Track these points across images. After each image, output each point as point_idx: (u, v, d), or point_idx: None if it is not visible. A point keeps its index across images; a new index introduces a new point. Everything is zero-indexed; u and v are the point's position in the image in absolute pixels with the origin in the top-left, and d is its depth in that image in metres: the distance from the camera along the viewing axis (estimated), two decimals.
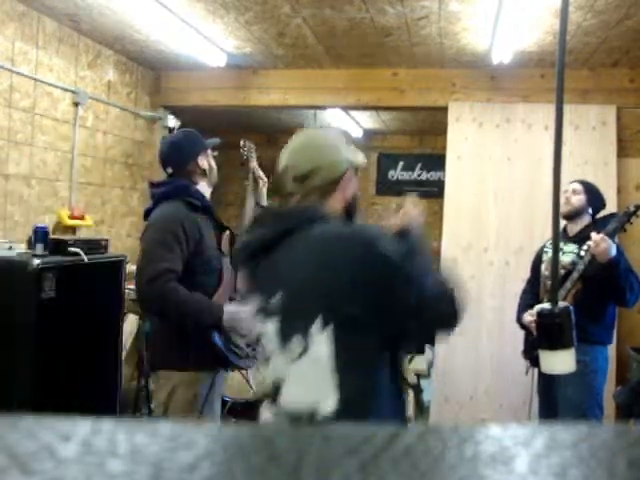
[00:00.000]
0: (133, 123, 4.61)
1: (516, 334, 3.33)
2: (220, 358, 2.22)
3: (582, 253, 2.78)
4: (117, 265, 3.34)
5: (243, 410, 3.41)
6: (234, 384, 2.91)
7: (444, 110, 4.32)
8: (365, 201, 7.99)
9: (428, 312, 1.35)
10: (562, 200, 2.84)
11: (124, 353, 3.62)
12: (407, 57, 4.07)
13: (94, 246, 3.20)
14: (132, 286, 3.79)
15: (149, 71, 4.73)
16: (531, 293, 3.14)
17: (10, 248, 2.87)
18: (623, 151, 4.12)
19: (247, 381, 2.89)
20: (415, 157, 7.66)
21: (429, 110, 4.71)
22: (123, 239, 4.55)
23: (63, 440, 0.26)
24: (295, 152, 1.50)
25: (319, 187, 1.46)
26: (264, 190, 2.63)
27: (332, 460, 0.25)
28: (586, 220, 2.99)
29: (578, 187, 2.99)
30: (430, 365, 4.75)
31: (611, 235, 2.67)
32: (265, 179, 2.63)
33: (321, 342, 1.33)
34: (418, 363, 5.10)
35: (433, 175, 7.57)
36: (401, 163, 7.75)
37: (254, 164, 2.54)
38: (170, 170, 2.36)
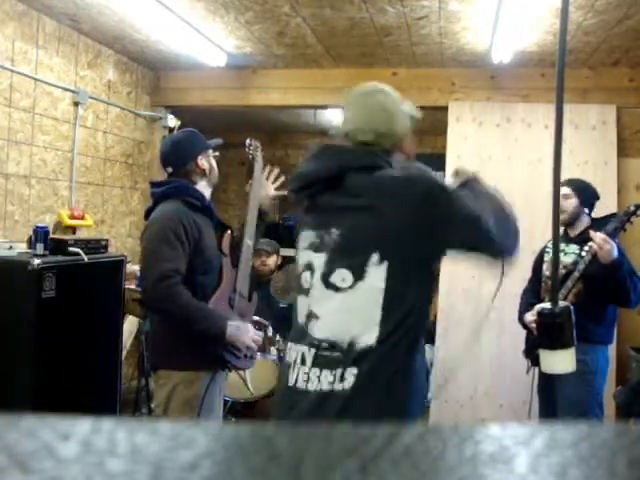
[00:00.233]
0: (133, 123, 4.61)
1: (516, 334, 3.33)
2: (219, 358, 2.22)
3: (583, 253, 2.78)
4: (117, 265, 3.35)
5: (243, 410, 3.42)
6: (234, 384, 2.91)
7: (444, 110, 4.32)
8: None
9: (494, 243, 1.47)
10: None
11: (124, 353, 3.62)
12: (407, 57, 4.07)
13: (94, 246, 3.20)
14: (132, 286, 3.80)
15: (149, 71, 4.73)
16: (532, 292, 3.14)
17: (10, 248, 2.87)
18: (623, 151, 4.12)
19: (244, 381, 2.89)
20: (415, 157, 7.64)
21: (429, 110, 4.70)
22: (123, 239, 4.55)
23: (63, 440, 0.26)
24: (357, 118, 1.55)
25: (384, 150, 1.53)
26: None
27: (332, 460, 0.25)
28: (585, 221, 2.98)
29: (567, 191, 2.94)
30: (430, 365, 4.75)
31: (612, 235, 2.67)
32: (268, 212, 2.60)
33: (376, 276, 1.38)
34: None
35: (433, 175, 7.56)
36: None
37: (260, 164, 2.52)
38: (170, 170, 2.36)
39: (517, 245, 1.54)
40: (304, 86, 4.52)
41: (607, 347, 2.98)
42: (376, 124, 1.52)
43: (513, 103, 4.20)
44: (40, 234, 2.93)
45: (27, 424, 0.27)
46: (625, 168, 4.15)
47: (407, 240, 1.41)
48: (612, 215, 3.01)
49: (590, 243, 2.70)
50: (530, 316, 2.87)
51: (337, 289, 1.42)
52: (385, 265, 1.39)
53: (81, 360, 3.03)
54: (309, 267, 1.50)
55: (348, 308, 1.41)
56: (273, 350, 3.29)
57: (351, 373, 1.38)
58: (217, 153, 2.46)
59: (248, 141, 2.54)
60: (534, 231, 3.97)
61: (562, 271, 2.88)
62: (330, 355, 1.41)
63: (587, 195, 2.99)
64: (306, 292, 1.50)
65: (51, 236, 3.06)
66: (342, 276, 1.42)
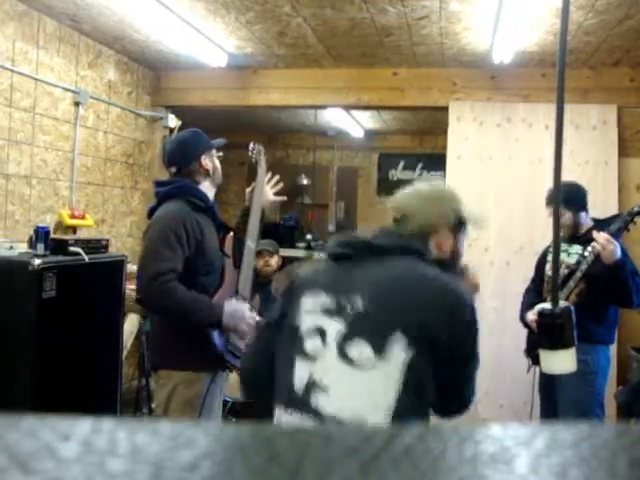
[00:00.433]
0: (134, 123, 4.62)
1: (516, 334, 3.33)
2: (219, 358, 2.22)
3: (586, 254, 2.78)
4: (117, 265, 3.35)
5: (243, 410, 3.41)
6: (234, 384, 2.91)
7: (445, 110, 4.32)
8: (366, 201, 7.99)
9: (459, 393, 1.55)
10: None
11: (124, 353, 3.62)
12: (408, 57, 4.07)
13: (95, 246, 3.20)
14: (133, 286, 3.80)
15: (149, 71, 4.73)
16: (534, 292, 3.14)
17: (11, 248, 2.87)
18: (624, 151, 4.12)
19: None
20: (416, 157, 7.66)
21: (430, 110, 4.71)
22: (124, 239, 4.55)
23: (63, 440, 0.26)
24: (409, 200, 1.60)
25: (412, 232, 1.52)
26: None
27: (332, 460, 0.25)
28: (587, 222, 2.98)
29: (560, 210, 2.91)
30: None
31: (615, 235, 2.66)
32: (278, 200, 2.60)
33: (397, 358, 1.32)
34: None
35: (434, 175, 7.56)
36: (402, 163, 7.75)
37: (263, 168, 2.52)
38: (174, 169, 2.37)
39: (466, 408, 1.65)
40: (305, 86, 4.52)
41: (608, 347, 2.98)
42: (422, 210, 1.55)
43: (514, 103, 4.20)
44: (41, 234, 2.94)
45: (27, 424, 0.27)
46: (626, 168, 4.15)
47: (433, 333, 1.38)
48: (616, 216, 3.01)
49: (593, 243, 2.69)
50: (531, 315, 2.87)
51: (353, 363, 1.33)
52: (409, 349, 1.33)
53: (81, 360, 3.03)
54: (319, 332, 1.40)
55: (362, 386, 1.33)
56: None
57: None
58: (221, 153, 2.46)
59: (251, 145, 2.53)
60: (534, 231, 3.98)
61: (565, 271, 2.88)
62: None
63: (577, 200, 2.95)
64: (311, 358, 1.38)
65: (52, 236, 3.06)
66: (361, 349, 1.33)
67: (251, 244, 2.39)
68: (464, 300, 1.46)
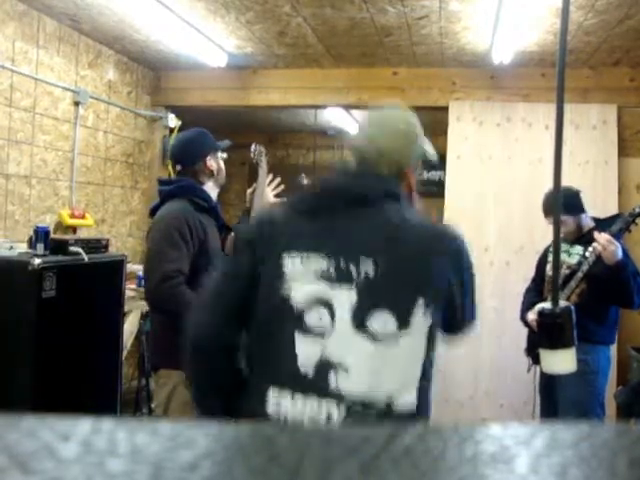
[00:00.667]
0: (133, 123, 4.61)
1: (516, 334, 3.33)
2: None
3: (587, 254, 2.77)
4: (117, 265, 3.35)
5: None
6: None
7: (445, 109, 4.32)
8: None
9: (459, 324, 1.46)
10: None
11: (124, 353, 3.62)
12: (407, 56, 4.07)
13: (94, 246, 3.20)
14: (133, 286, 3.80)
15: (149, 71, 4.73)
16: (535, 291, 3.14)
17: (11, 248, 2.87)
18: (624, 150, 4.12)
19: None
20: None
21: (429, 109, 4.71)
22: (124, 239, 4.55)
23: (63, 440, 0.26)
24: (376, 136, 1.40)
25: (389, 174, 1.37)
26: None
27: (332, 460, 0.25)
28: (588, 222, 2.97)
29: (562, 218, 2.89)
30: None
31: (616, 236, 2.65)
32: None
33: (421, 326, 1.21)
34: None
35: (433, 175, 7.56)
36: None
37: (264, 169, 2.52)
38: (179, 167, 2.37)
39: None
40: (304, 86, 4.52)
41: (609, 347, 2.98)
42: (403, 147, 1.39)
43: (513, 103, 4.20)
44: (40, 234, 2.94)
45: (27, 424, 0.27)
46: (626, 168, 4.15)
47: (443, 291, 1.30)
48: (616, 216, 3.00)
49: (594, 244, 2.69)
50: (532, 315, 2.87)
51: (375, 337, 1.19)
52: (429, 314, 1.22)
53: (81, 360, 3.03)
54: (323, 304, 1.22)
55: (388, 361, 1.20)
56: None
57: None
58: (225, 155, 2.47)
59: (253, 147, 2.54)
60: (534, 231, 3.97)
61: (566, 271, 2.88)
62: (364, 415, 1.18)
63: (574, 203, 2.93)
64: (317, 334, 1.21)
65: (52, 236, 3.06)
66: (384, 320, 1.19)
67: None
68: (461, 239, 1.37)
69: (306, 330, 1.22)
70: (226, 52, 4.01)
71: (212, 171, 2.37)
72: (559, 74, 0.96)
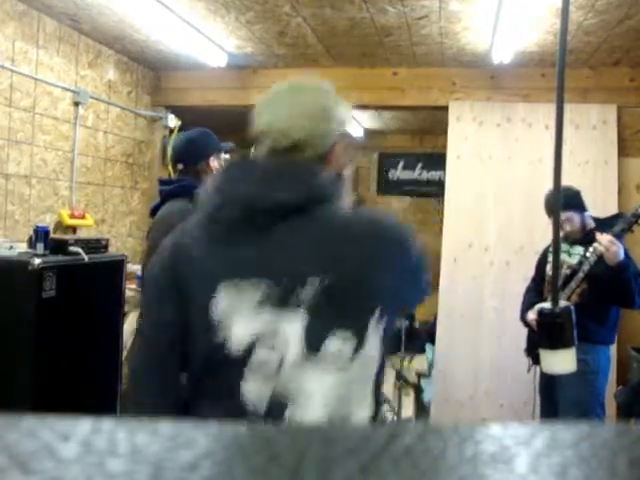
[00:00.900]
0: (133, 123, 4.61)
1: (516, 334, 3.33)
2: None
3: (588, 254, 2.77)
4: (117, 265, 3.35)
5: None
6: None
7: (445, 109, 4.33)
8: (366, 200, 7.99)
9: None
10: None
11: (124, 353, 3.62)
12: (407, 56, 4.07)
13: (94, 246, 3.20)
14: (133, 285, 3.79)
15: (149, 71, 4.73)
16: (535, 291, 3.14)
17: (11, 248, 2.87)
18: (624, 150, 4.12)
19: None
20: (416, 156, 7.66)
21: (430, 109, 4.71)
22: (124, 239, 4.55)
23: (63, 440, 0.26)
24: (284, 115, 1.16)
25: (309, 160, 1.14)
26: None
27: (332, 460, 0.25)
28: (589, 224, 2.97)
29: (569, 214, 2.89)
30: (430, 365, 4.75)
31: (618, 236, 2.64)
32: None
33: (375, 339, 1.07)
34: (418, 363, 5.10)
35: (434, 175, 7.57)
36: (402, 163, 7.75)
37: None
38: (181, 166, 2.37)
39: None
40: None
41: (609, 347, 2.98)
42: (304, 123, 1.16)
43: (513, 103, 4.21)
44: (40, 234, 2.94)
45: (27, 424, 0.27)
46: (626, 168, 4.15)
47: (395, 296, 1.14)
48: (617, 215, 3.00)
49: (595, 244, 2.68)
50: (532, 314, 2.87)
51: (331, 362, 1.04)
52: (383, 324, 1.09)
53: (81, 360, 3.03)
54: (270, 336, 1.04)
55: (344, 384, 1.07)
56: None
57: None
58: (228, 156, 2.47)
59: (252, 150, 2.55)
60: (535, 231, 3.98)
61: (567, 271, 2.88)
62: None
63: (579, 202, 2.94)
64: (269, 371, 1.04)
65: (51, 236, 3.06)
66: (340, 343, 1.04)
67: None
68: (406, 231, 1.18)
69: (253, 370, 1.05)
70: (226, 52, 4.01)
71: (214, 172, 2.37)
72: (559, 74, 0.96)
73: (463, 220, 4.22)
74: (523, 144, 4.17)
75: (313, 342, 1.04)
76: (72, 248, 2.98)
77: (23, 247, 3.00)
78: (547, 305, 1.17)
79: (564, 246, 2.95)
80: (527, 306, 3.05)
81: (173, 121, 4.83)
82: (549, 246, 3.15)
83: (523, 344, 3.11)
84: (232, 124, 6.54)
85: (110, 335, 3.31)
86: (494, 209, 4.18)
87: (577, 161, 4.00)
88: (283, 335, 1.04)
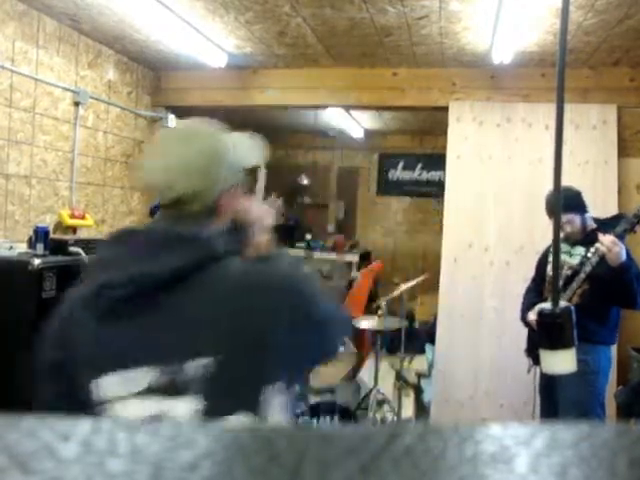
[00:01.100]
0: (133, 123, 4.62)
1: (517, 334, 3.33)
2: None
3: (589, 255, 2.77)
4: None
5: None
6: None
7: (444, 110, 4.33)
8: (366, 201, 8.00)
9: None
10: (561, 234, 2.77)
11: None
12: (407, 57, 4.07)
13: (94, 246, 3.20)
14: None
15: (149, 71, 4.73)
16: (535, 291, 3.13)
17: (11, 248, 2.87)
18: (624, 150, 4.12)
19: None
20: (416, 157, 7.66)
21: (430, 110, 4.71)
22: None
23: (63, 440, 0.26)
24: (167, 168, 1.07)
25: (197, 213, 1.07)
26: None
27: (332, 460, 0.25)
28: (590, 224, 2.97)
29: (570, 216, 2.88)
30: (430, 365, 4.75)
31: (620, 237, 2.64)
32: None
33: (277, 411, 1.00)
34: (418, 363, 5.10)
35: (433, 175, 7.57)
36: (401, 163, 7.76)
37: (262, 176, 2.53)
38: None
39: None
40: (304, 86, 4.53)
41: (609, 348, 2.98)
42: (190, 176, 1.06)
43: (513, 103, 4.21)
44: (40, 234, 2.94)
45: (27, 424, 0.27)
46: (626, 168, 4.15)
47: (298, 352, 1.05)
48: (618, 216, 2.99)
49: (597, 245, 2.68)
50: (532, 315, 2.87)
51: None
52: (285, 390, 1.02)
53: None
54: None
55: None
56: None
57: None
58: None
59: None
60: (535, 231, 3.98)
61: (568, 272, 2.88)
62: None
63: (580, 203, 2.93)
64: None
65: (51, 236, 3.06)
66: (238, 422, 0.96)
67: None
68: (311, 284, 1.11)
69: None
70: (226, 52, 4.01)
71: None
72: (559, 74, 0.96)
73: (463, 220, 4.22)
74: (523, 144, 4.17)
75: None
76: (72, 248, 2.98)
77: (23, 247, 3.00)
78: (547, 305, 1.17)
79: (565, 247, 2.95)
80: (527, 306, 3.05)
81: (173, 121, 4.83)
82: (550, 246, 3.14)
83: (523, 344, 3.11)
84: (232, 124, 6.55)
85: None
86: (494, 209, 4.18)
87: (577, 161, 4.00)
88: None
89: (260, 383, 0.99)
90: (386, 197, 7.88)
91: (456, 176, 4.27)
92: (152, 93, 4.80)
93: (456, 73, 4.28)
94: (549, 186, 2.77)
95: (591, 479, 0.24)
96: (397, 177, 7.82)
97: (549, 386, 2.98)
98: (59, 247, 2.97)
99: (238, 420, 0.95)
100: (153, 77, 4.79)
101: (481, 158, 4.23)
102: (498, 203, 4.17)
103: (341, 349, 1.21)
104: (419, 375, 4.95)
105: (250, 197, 1.19)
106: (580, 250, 2.89)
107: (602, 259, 2.67)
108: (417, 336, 5.45)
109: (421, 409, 4.48)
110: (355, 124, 6.45)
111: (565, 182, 1.04)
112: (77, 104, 3.90)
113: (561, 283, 2.85)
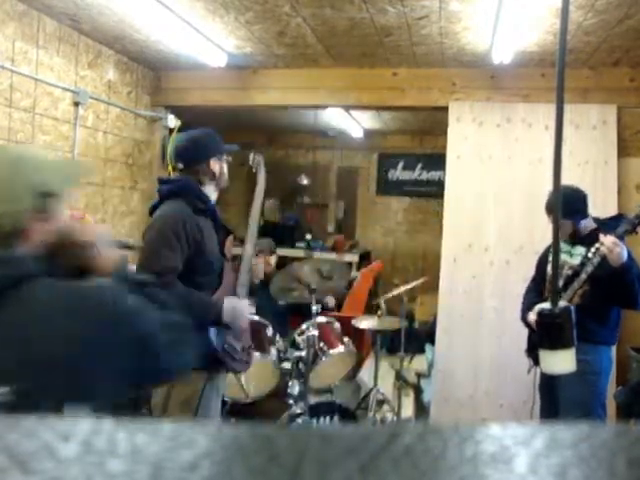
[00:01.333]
0: (133, 123, 4.61)
1: (516, 334, 3.33)
2: (216, 359, 2.23)
3: (590, 255, 2.76)
4: None
5: (243, 410, 3.41)
6: (234, 385, 2.91)
7: (444, 110, 4.33)
8: (366, 201, 8.00)
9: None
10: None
11: None
12: (407, 57, 4.07)
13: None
14: None
15: (149, 71, 4.73)
16: (535, 291, 3.13)
17: None
18: (624, 150, 4.12)
19: (239, 383, 2.90)
20: (415, 157, 7.66)
21: (429, 110, 4.71)
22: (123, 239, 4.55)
23: (63, 440, 0.26)
24: None
25: (7, 234, 1.07)
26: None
27: (332, 460, 0.25)
28: (590, 225, 2.96)
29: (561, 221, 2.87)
30: (430, 365, 4.75)
31: (621, 237, 2.63)
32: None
33: None
34: (418, 363, 5.10)
35: (433, 175, 7.57)
36: (401, 163, 7.76)
37: (262, 177, 2.54)
38: (181, 165, 2.37)
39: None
40: (304, 86, 4.52)
41: (611, 348, 2.98)
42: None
43: (513, 103, 4.21)
44: None
45: (27, 424, 0.27)
46: (626, 168, 4.15)
47: (116, 372, 1.04)
48: (618, 216, 2.99)
49: (597, 245, 2.68)
50: (533, 315, 2.87)
51: None
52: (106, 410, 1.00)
53: None
54: None
55: None
56: (273, 350, 3.29)
57: None
58: (230, 158, 2.47)
59: (252, 156, 2.57)
60: (534, 231, 3.98)
61: (568, 272, 2.87)
62: None
63: (577, 209, 2.90)
64: None
65: None
66: None
67: (249, 249, 2.41)
68: (128, 302, 1.11)
69: None
70: (226, 52, 4.01)
71: (214, 174, 2.36)
72: (559, 74, 0.96)
73: (463, 220, 4.22)
74: (523, 144, 4.17)
75: None
76: None
77: None
78: (547, 305, 1.17)
79: (565, 247, 2.94)
80: (528, 306, 3.04)
81: (173, 121, 4.83)
82: (549, 246, 3.14)
83: (523, 344, 3.11)
84: (232, 124, 6.55)
85: None
86: (494, 209, 4.18)
87: (577, 161, 4.00)
88: None
89: (64, 409, 0.95)
90: (386, 197, 7.88)
91: (456, 176, 4.27)
92: (152, 93, 4.79)
93: (456, 73, 4.28)
94: (549, 186, 2.76)
95: (590, 479, 0.24)
96: (397, 177, 7.82)
97: (549, 386, 2.98)
98: None
99: None
100: (153, 77, 4.79)
101: (481, 158, 4.23)
102: (498, 203, 4.17)
103: (188, 365, 1.20)
104: (419, 375, 4.95)
105: (69, 219, 1.21)
106: (581, 250, 2.89)
107: (603, 259, 2.66)
108: (417, 336, 5.45)
109: (421, 409, 4.48)
110: (355, 124, 6.45)
111: (565, 182, 1.04)
112: (77, 104, 3.90)
113: (562, 283, 2.85)
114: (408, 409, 4.25)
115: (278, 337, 3.42)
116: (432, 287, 4.49)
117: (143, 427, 0.28)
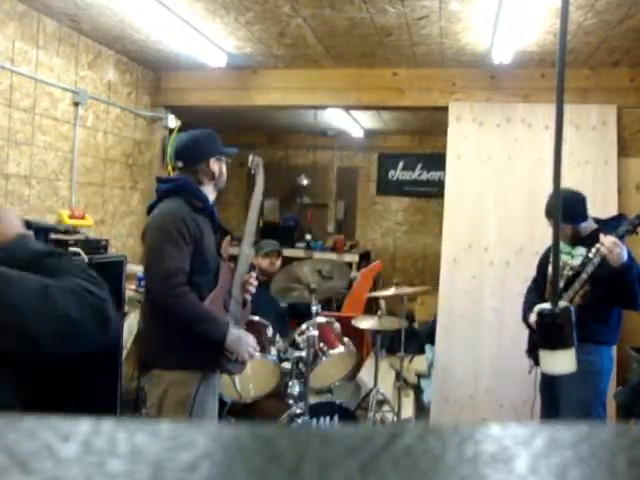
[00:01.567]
0: (133, 123, 4.61)
1: (516, 334, 3.33)
2: (211, 360, 2.23)
3: (590, 255, 2.76)
4: (117, 265, 3.34)
5: (243, 410, 3.41)
6: (231, 385, 2.91)
7: (444, 110, 4.33)
8: (366, 201, 7.99)
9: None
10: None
11: (124, 353, 3.62)
12: (407, 57, 4.07)
13: (94, 246, 3.20)
14: (132, 286, 3.79)
15: (149, 71, 4.73)
16: (536, 292, 3.13)
17: None
18: (624, 151, 4.12)
19: (233, 383, 2.90)
20: (415, 157, 7.66)
21: (429, 110, 4.72)
22: (123, 239, 4.55)
23: (63, 440, 0.26)
24: None
25: None
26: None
27: (332, 460, 0.25)
28: (591, 225, 2.95)
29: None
30: (430, 365, 4.75)
31: (621, 238, 2.63)
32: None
33: None
34: (418, 363, 5.10)
35: (433, 175, 7.57)
36: (401, 163, 7.76)
37: (261, 178, 2.54)
38: (180, 164, 2.37)
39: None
40: (304, 86, 4.52)
41: (612, 348, 2.98)
42: None
43: (513, 103, 4.21)
44: (40, 234, 2.93)
45: (27, 424, 0.27)
46: (625, 168, 4.15)
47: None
48: (619, 216, 2.99)
49: (597, 245, 2.68)
50: (533, 316, 2.86)
51: None
52: None
53: (81, 360, 3.02)
54: None
55: None
56: (273, 350, 3.29)
57: None
58: (230, 160, 2.47)
59: (251, 157, 2.57)
60: (535, 231, 3.98)
61: (569, 273, 2.87)
62: None
63: (577, 213, 2.90)
64: None
65: (51, 236, 3.06)
66: None
67: (247, 250, 2.41)
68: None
69: None
70: (226, 52, 4.01)
71: (213, 174, 2.37)
72: (559, 74, 0.96)
73: (463, 220, 4.22)
74: (523, 144, 4.17)
75: None
76: (72, 249, 2.98)
77: None
78: (547, 306, 1.17)
79: (566, 247, 2.94)
80: (528, 307, 3.04)
81: (173, 121, 4.83)
82: (550, 246, 3.13)
83: (523, 344, 3.10)
84: (232, 124, 6.55)
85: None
86: (494, 209, 4.18)
87: (577, 161, 4.00)
88: None
89: None
90: (386, 197, 7.88)
91: (456, 176, 4.27)
92: (152, 93, 4.79)
93: (456, 73, 4.28)
94: (549, 186, 2.75)
95: (590, 479, 0.24)
96: (397, 177, 7.82)
97: (550, 386, 2.98)
98: (59, 247, 2.97)
99: None
100: (153, 77, 4.79)
101: (481, 158, 4.23)
102: (498, 203, 4.17)
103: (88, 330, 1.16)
104: (419, 375, 4.95)
105: None
106: (581, 251, 2.89)
107: (604, 260, 2.66)
108: (417, 336, 5.45)
109: (421, 409, 4.48)
110: (355, 124, 6.45)
111: (565, 182, 1.04)
112: (77, 104, 3.90)
113: (562, 284, 2.85)
114: (408, 409, 4.25)
115: (278, 337, 3.42)
116: (432, 287, 4.48)
117: (143, 427, 0.28)
